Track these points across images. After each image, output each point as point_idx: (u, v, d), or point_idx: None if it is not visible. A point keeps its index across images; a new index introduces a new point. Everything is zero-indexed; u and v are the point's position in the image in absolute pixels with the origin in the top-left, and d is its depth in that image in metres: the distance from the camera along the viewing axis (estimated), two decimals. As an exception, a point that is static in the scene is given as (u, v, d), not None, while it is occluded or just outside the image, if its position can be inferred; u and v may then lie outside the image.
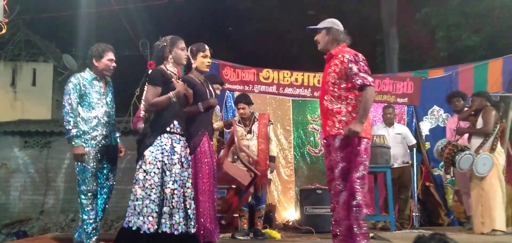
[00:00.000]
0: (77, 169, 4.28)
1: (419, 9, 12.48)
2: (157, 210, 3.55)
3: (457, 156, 5.42)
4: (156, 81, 3.72)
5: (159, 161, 3.61)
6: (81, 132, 4.19)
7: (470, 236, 5.20)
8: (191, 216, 3.67)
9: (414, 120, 7.55)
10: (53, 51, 15.50)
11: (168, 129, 3.68)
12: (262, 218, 5.79)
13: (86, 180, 4.22)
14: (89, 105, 4.29)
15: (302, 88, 7.26)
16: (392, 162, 6.41)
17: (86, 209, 4.22)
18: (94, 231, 4.26)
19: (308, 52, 17.21)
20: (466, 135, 5.91)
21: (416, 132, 7.29)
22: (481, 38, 10.94)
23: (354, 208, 3.64)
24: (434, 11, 12.00)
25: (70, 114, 4.16)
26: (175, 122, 3.72)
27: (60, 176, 10.24)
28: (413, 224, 6.53)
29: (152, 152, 3.61)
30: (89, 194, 4.23)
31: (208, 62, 4.24)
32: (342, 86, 3.81)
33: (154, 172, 3.58)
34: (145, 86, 3.86)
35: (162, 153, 3.62)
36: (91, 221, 4.23)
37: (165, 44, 3.87)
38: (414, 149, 6.83)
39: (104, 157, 4.35)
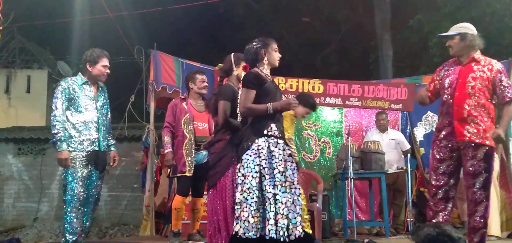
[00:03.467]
0: (64, 174, 4.23)
1: (412, 16, 12.57)
2: (254, 214, 3.42)
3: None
4: (250, 84, 3.63)
5: (257, 165, 3.50)
6: (66, 137, 4.15)
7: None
8: (292, 221, 3.45)
9: (408, 126, 7.59)
10: (48, 58, 15.47)
11: (265, 132, 3.58)
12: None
13: (72, 186, 4.14)
14: (77, 110, 4.26)
15: (297, 94, 7.27)
16: (387, 167, 6.43)
17: (68, 215, 4.13)
18: (74, 240, 4.14)
19: (302, 58, 17.33)
20: None
21: (410, 138, 7.32)
22: (474, 45, 11.04)
23: (488, 218, 3.85)
24: (427, 18, 12.09)
25: (57, 118, 4.16)
26: (273, 126, 3.60)
27: (54, 183, 10.22)
28: (408, 230, 6.55)
29: (250, 156, 3.52)
30: (74, 199, 4.14)
31: None
32: (486, 94, 3.87)
33: (252, 176, 3.48)
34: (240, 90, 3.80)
35: (259, 156, 3.52)
36: (74, 228, 4.12)
37: (259, 45, 3.78)
38: (409, 154, 6.86)
39: (91, 163, 4.27)
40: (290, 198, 3.47)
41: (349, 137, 5.92)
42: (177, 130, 5.03)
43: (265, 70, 3.77)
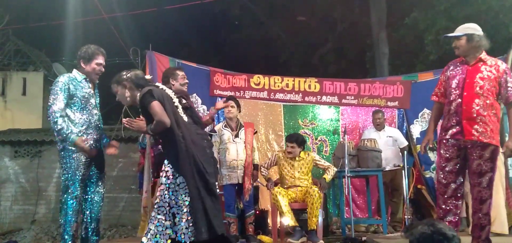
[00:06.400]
0: (65, 175, 4.03)
1: (407, 14, 12.59)
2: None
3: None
4: None
5: None
6: (70, 129, 3.95)
7: (463, 238, 5.23)
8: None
9: (404, 124, 7.59)
10: (43, 60, 15.43)
11: None
12: (253, 223, 5.79)
13: (73, 187, 3.99)
14: (78, 108, 4.08)
15: (293, 93, 7.28)
16: (384, 165, 6.45)
17: (68, 218, 3.98)
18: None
19: (299, 57, 17.34)
20: None
21: (407, 135, 7.32)
22: (469, 42, 11.05)
23: (490, 214, 3.94)
24: (422, 16, 12.10)
25: (59, 113, 3.92)
26: None
27: (51, 185, 10.18)
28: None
29: None
30: (74, 202, 3.99)
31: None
32: (493, 94, 3.92)
33: None
34: None
35: None
36: (71, 230, 3.98)
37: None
38: (406, 152, 6.86)
39: (92, 163, 4.15)
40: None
41: (346, 135, 5.92)
42: None
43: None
